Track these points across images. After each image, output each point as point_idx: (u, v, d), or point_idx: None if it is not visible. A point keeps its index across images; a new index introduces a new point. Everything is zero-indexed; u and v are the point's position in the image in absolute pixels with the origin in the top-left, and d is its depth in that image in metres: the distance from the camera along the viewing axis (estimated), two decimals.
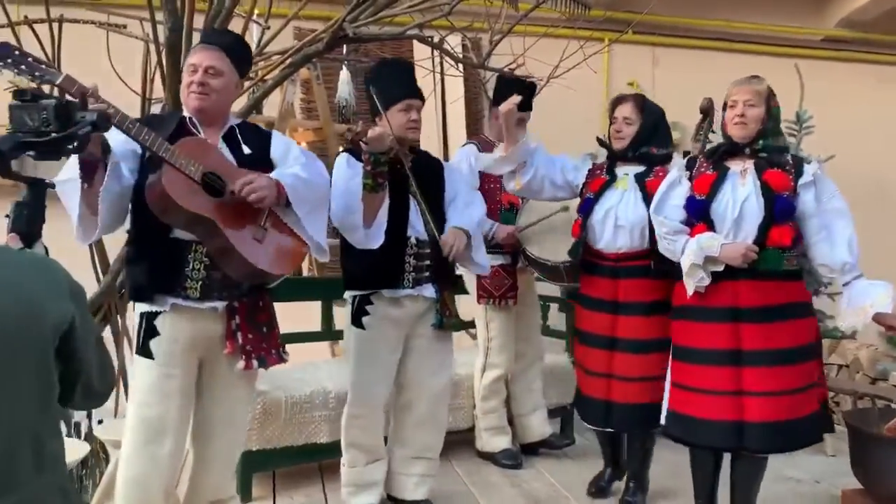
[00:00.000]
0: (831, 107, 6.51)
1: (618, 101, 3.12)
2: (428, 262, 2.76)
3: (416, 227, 2.74)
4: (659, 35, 6.60)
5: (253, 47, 3.57)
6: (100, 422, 2.97)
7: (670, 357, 2.76)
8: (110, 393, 1.51)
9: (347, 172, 2.63)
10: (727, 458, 2.76)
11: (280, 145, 2.43)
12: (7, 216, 1.57)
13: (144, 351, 2.19)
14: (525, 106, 3.21)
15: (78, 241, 2.17)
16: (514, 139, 3.00)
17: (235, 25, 3.35)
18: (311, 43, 3.06)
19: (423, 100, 2.82)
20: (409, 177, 2.72)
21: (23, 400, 1.22)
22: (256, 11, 3.61)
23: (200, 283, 2.19)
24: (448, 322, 2.82)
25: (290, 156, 2.40)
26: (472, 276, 3.52)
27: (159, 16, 3.10)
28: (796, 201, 2.61)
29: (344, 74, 4.64)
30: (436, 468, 3.01)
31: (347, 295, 2.83)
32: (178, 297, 2.19)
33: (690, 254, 2.58)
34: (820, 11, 7.13)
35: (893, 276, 7.41)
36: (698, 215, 2.65)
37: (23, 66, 2.00)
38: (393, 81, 2.75)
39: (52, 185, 1.68)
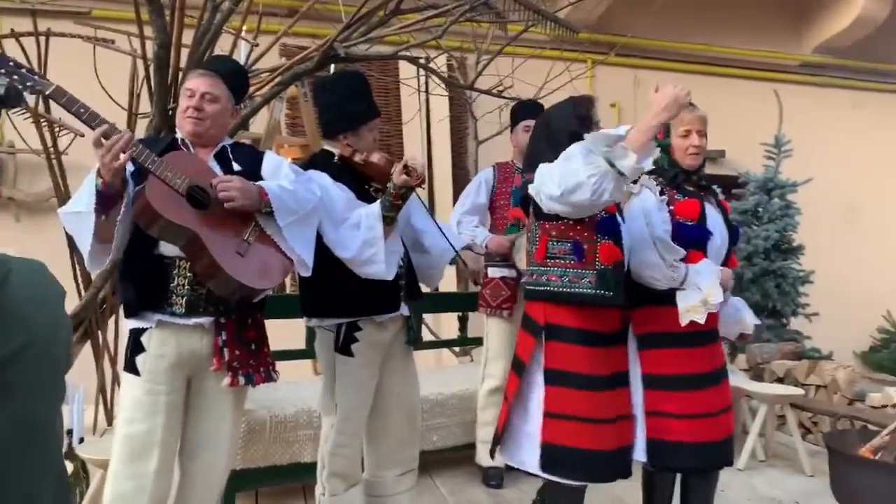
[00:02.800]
0: (808, 131, 6.65)
1: (592, 103, 2.66)
2: (404, 282, 2.76)
3: (401, 249, 2.73)
4: (641, 58, 6.70)
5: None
6: (81, 440, 2.93)
7: (642, 388, 2.62)
8: None
9: (346, 200, 2.55)
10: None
11: (271, 163, 2.43)
12: None
13: (131, 367, 2.19)
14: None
15: (90, 269, 2.22)
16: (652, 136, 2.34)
17: (224, 42, 3.35)
18: (302, 61, 3.07)
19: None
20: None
21: (57, 419, 1.23)
22: (245, 28, 3.62)
23: (185, 298, 2.19)
24: (417, 337, 2.82)
25: (280, 172, 2.40)
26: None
27: (148, 31, 3.09)
28: None
29: None
30: (416, 478, 2.98)
31: (325, 322, 2.68)
32: (163, 314, 2.19)
33: (715, 281, 2.54)
34: (798, 37, 7.29)
35: (864, 292, 7.57)
36: (696, 242, 2.60)
37: (15, 77, 2.03)
38: (361, 99, 2.68)
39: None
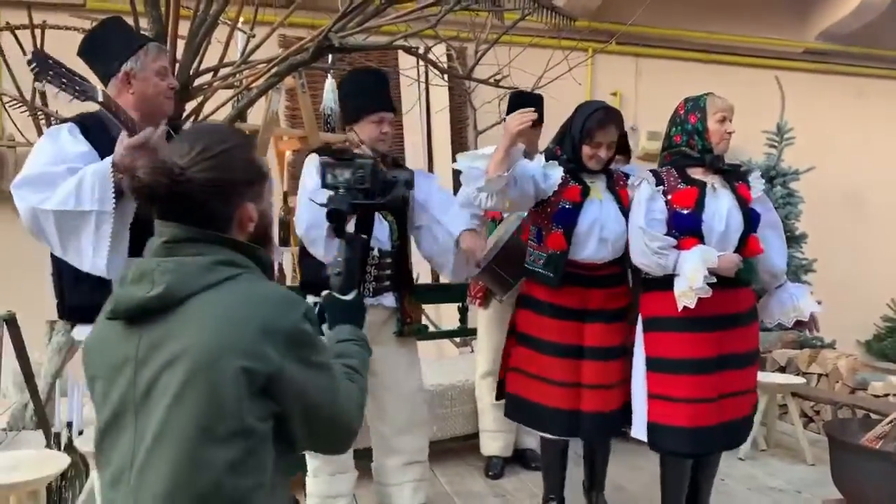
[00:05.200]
0: (811, 118, 6.61)
1: (602, 123, 2.82)
2: (389, 272, 2.76)
3: (381, 238, 2.72)
4: (642, 46, 6.66)
5: (237, 55, 3.58)
6: (80, 433, 2.93)
7: (644, 368, 2.76)
8: (345, 445, 1.43)
9: (314, 182, 2.59)
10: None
11: None
12: (336, 274, 1.60)
13: None
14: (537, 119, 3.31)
15: (111, 275, 1.97)
16: (508, 156, 2.64)
17: (220, 33, 3.34)
18: (297, 52, 3.05)
19: (395, 111, 2.81)
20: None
21: (197, 439, 1.22)
22: (241, 19, 3.60)
23: None
24: (409, 328, 2.84)
25: None
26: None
27: (143, 22, 3.08)
28: None
29: (329, 83, 4.63)
30: (427, 472, 2.99)
31: (309, 299, 2.75)
32: None
33: (699, 267, 2.58)
34: (801, 24, 7.23)
35: (868, 280, 7.52)
36: (690, 230, 2.66)
37: (64, 81, 1.90)
38: (365, 93, 2.75)
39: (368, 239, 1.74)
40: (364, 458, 2.95)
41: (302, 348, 1.28)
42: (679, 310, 2.61)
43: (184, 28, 3.12)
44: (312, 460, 2.82)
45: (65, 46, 3.63)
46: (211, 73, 3.34)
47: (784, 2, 7.14)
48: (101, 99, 1.93)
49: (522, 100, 3.45)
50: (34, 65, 1.85)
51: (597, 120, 2.81)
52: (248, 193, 1.33)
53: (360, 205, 1.68)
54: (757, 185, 2.83)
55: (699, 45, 6.89)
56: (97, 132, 2.08)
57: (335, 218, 1.64)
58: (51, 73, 1.87)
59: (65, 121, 2.12)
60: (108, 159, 1.93)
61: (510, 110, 3.49)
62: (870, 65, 7.50)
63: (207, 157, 1.28)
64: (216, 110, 3.56)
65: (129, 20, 3.20)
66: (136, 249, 1.98)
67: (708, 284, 2.59)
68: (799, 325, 2.95)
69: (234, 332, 1.22)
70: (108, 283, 2.04)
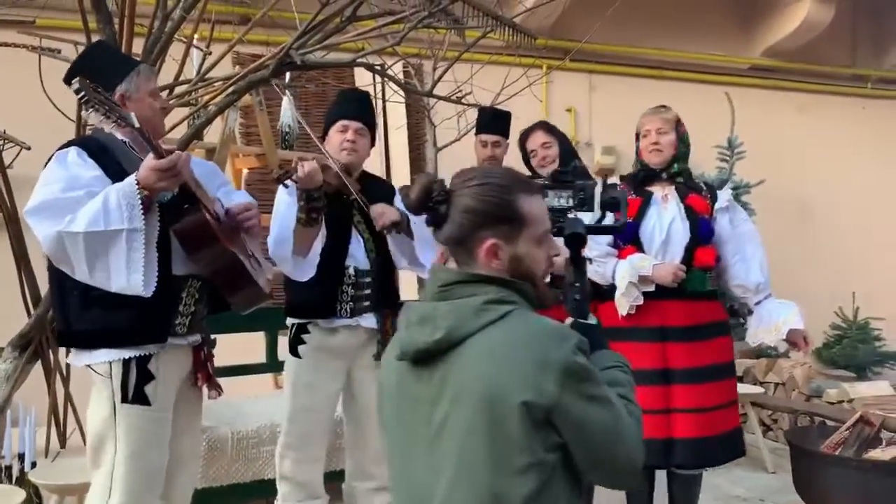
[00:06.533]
0: (760, 133, 6.77)
1: (527, 134, 3.23)
2: (368, 292, 2.71)
3: (357, 256, 2.69)
4: (595, 63, 6.75)
5: (193, 73, 3.51)
6: (33, 465, 2.82)
7: None
8: (629, 479, 1.41)
9: (286, 200, 2.61)
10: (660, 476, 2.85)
11: (205, 168, 2.42)
12: (577, 299, 1.58)
13: (139, 398, 2.05)
14: (503, 132, 3.37)
15: (146, 293, 1.92)
16: None
17: (176, 51, 3.27)
18: (257, 69, 3.01)
19: (364, 121, 2.77)
20: (352, 207, 2.70)
21: (494, 473, 1.28)
22: (197, 37, 3.55)
23: (189, 318, 2.15)
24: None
25: (219, 178, 2.42)
26: None
27: (96, 39, 3.00)
28: (714, 224, 2.76)
29: (286, 101, 4.58)
30: None
31: (289, 322, 2.79)
32: (172, 336, 2.11)
33: (625, 274, 2.62)
34: (747, 41, 7.42)
35: (817, 289, 7.67)
36: (627, 238, 2.71)
37: (107, 108, 1.88)
38: (335, 105, 2.79)
39: (589, 260, 1.70)
40: (337, 480, 2.91)
41: (579, 382, 1.30)
42: (619, 318, 2.65)
43: (138, 46, 3.05)
44: (282, 486, 2.75)
45: (13, 63, 3.54)
46: (167, 92, 3.27)
47: (731, 19, 7.33)
48: (137, 125, 1.92)
49: (491, 116, 3.46)
50: (82, 93, 1.83)
51: (521, 135, 3.31)
52: (496, 230, 1.39)
53: (595, 228, 1.66)
54: (723, 196, 2.85)
55: (651, 62, 7.01)
56: (102, 155, 2.05)
57: (573, 242, 1.60)
58: (96, 101, 1.86)
59: (67, 144, 2.09)
60: (133, 178, 1.92)
61: (479, 125, 3.51)
62: (812, 81, 7.73)
63: (470, 186, 1.41)
64: (172, 129, 3.48)
65: (81, 37, 3.13)
66: (162, 266, 1.99)
67: (649, 294, 2.62)
68: (792, 345, 2.81)
69: (512, 368, 1.27)
70: (116, 309, 1.98)
